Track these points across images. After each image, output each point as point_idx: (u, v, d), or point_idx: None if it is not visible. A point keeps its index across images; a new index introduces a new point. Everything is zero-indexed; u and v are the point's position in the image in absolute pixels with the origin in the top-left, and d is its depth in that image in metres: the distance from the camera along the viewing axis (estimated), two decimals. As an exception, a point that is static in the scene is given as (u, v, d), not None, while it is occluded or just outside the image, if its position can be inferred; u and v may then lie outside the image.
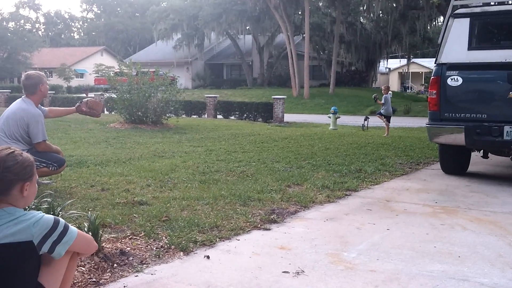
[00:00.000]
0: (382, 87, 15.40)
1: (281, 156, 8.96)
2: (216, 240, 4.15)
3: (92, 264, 3.45)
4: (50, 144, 5.79)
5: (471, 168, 7.96)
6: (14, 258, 2.20)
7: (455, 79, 6.95)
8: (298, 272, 3.51)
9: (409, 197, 6.04)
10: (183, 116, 19.32)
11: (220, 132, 13.99)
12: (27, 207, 2.46)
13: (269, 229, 4.56)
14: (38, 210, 2.42)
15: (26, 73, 5.67)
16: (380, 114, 14.65)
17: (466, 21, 7.00)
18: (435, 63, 7.22)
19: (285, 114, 22.24)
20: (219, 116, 22.48)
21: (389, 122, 14.43)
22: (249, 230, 4.49)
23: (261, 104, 22.86)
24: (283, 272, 3.52)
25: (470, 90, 7.00)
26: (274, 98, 22.40)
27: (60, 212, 3.54)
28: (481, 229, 4.69)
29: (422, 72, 61.31)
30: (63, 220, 2.38)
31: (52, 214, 2.48)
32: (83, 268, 3.38)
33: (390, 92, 23.74)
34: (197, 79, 48.94)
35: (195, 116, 22.54)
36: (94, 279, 3.30)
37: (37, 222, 2.26)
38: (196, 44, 46.12)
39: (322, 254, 3.92)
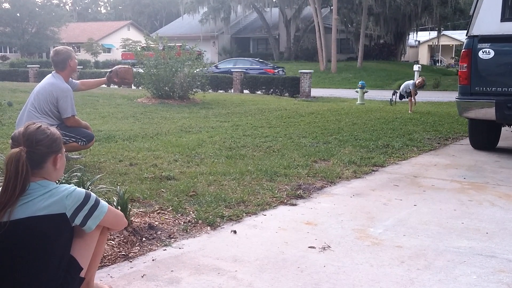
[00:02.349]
0: (416, 81, 13.42)
1: (307, 131, 8.93)
2: (242, 215, 4.19)
3: (122, 238, 3.52)
4: (79, 119, 5.86)
5: (501, 143, 7.83)
6: (50, 230, 2.25)
7: (487, 52, 6.79)
8: (324, 248, 3.53)
9: (437, 173, 5.98)
10: (210, 91, 19.34)
11: (246, 107, 13.99)
12: (57, 181, 2.50)
13: (295, 205, 4.58)
14: (69, 184, 2.46)
15: (55, 49, 5.73)
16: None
17: None
18: (466, 36, 7.05)
19: (312, 89, 22.05)
20: (246, 91, 22.42)
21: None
22: (275, 206, 4.51)
23: (287, 79, 22.70)
24: (309, 247, 3.54)
25: (502, 63, 6.83)
26: (300, 73, 22.21)
27: (90, 187, 3.60)
28: (510, 205, 4.63)
29: (452, 45, 59.96)
30: (94, 195, 2.41)
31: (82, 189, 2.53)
32: (113, 242, 3.45)
33: (419, 65, 23.34)
34: (224, 53, 48.76)
35: (221, 91, 22.53)
36: (124, 253, 3.37)
37: (70, 195, 2.30)
38: (222, 17, 45.85)
39: (348, 229, 3.92)
